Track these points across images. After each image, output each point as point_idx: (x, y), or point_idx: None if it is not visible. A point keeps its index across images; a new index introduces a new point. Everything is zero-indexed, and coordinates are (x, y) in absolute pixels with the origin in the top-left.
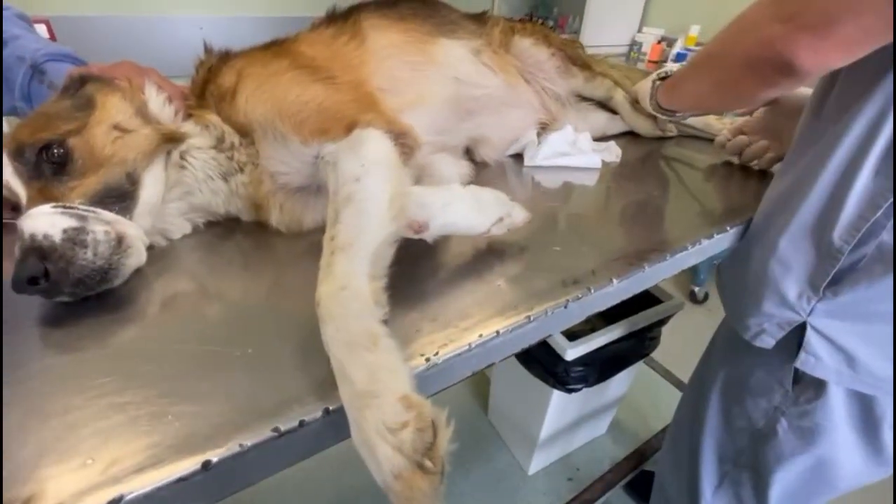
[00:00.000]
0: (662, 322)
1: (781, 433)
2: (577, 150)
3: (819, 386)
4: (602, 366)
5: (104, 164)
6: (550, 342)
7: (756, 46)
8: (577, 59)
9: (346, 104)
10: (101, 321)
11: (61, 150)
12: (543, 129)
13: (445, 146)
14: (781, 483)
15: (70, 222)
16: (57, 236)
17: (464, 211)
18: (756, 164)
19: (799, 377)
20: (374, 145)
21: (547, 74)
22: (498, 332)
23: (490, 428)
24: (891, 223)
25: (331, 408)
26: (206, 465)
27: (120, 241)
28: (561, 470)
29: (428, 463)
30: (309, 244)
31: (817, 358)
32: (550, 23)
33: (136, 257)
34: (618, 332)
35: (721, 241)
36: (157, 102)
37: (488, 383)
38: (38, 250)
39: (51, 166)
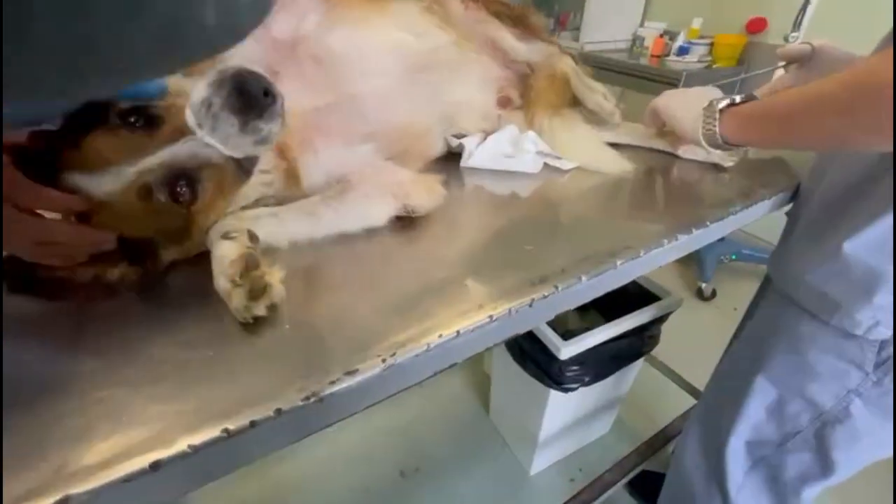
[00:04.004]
0: (661, 320)
1: (856, 413)
2: (518, 151)
3: None
4: (598, 365)
5: None
6: (545, 341)
7: None
8: (501, 13)
9: None
10: (71, 327)
11: None
12: (504, 107)
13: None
14: (848, 459)
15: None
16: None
17: None
18: None
19: (884, 359)
20: None
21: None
22: (458, 332)
23: (492, 428)
24: None
25: (283, 408)
26: (155, 465)
27: None
28: (563, 470)
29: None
30: None
31: None
32: (551, 20)
33: None
34: (614, 331)
35: (701, 237)
36: None
37: (490, 383)
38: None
39: None
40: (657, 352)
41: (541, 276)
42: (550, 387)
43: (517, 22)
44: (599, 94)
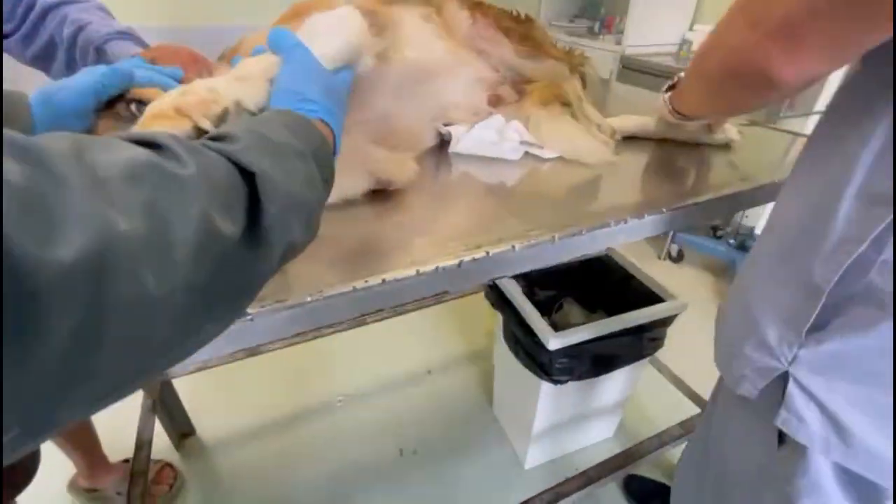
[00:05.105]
0: (665, 323)
1: (769, 499)
2: (503, 139)
3: (801, 451)
4: (592, 361)
5: None
6: (536, 331)
7: (730, 55)
8: (510, 29)
9: None
10: None
11: None
12: (495, 105)
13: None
14: None
15: None
16: None
17: None
18: None
19: (782, 436)
20: None
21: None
22: (384, 281)
23: (493, 420)
24: (881, 259)
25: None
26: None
27: None
28: (559, 468)
29: None
30: None
31: (800, 419)
32: (597, 24)
33: None
34: (607, 328)
35: (654, 223)
36: None
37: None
38: None
39: None
40: (674, 360)
41: (477, 243)
42: (541, 377)
43: (524, 39)
44: (594, 126)
